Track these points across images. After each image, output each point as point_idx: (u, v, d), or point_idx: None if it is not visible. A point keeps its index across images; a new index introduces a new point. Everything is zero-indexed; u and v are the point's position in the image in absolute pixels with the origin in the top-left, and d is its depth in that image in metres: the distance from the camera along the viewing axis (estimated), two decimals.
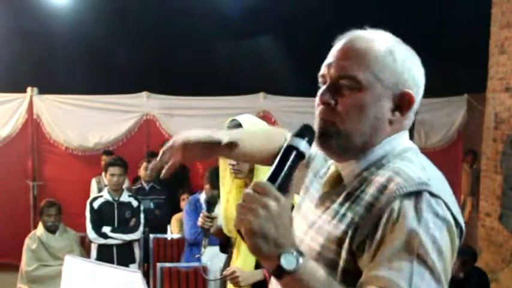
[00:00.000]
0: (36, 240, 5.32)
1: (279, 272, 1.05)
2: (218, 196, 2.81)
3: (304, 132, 1.17)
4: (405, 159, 1.21)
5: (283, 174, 1.10)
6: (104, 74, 8.02)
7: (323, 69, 1.29)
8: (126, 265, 4.82)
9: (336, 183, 1.33)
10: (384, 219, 1.11)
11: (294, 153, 1.13)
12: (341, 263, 1.18)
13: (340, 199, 1.26)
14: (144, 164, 6.06)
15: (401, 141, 1.28)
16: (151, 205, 5.97)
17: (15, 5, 7.92)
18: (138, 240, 5.31)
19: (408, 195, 1.10)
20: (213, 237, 3.00)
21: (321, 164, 1.49)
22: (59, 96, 7.28)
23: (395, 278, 1.04)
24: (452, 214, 1.12)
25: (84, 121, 7.20)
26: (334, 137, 1.24)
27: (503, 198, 6.56)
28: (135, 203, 5.28)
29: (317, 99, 1.28)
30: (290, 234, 1.07)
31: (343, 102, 1.22)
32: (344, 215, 1.20)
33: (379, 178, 1.18)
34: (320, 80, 1.30)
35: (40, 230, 5.36)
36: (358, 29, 1.31)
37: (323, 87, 1.27)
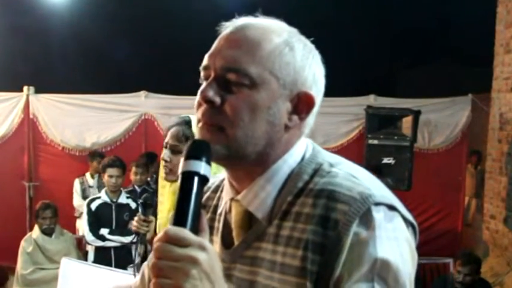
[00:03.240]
0: (32, 242, 5.30)
1: None
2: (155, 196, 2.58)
3: (199, 150, 0.96)
4: (326, 175, 1.03)
5: (191, 211, 0.90)
6: (101, 73, 7.97)
7: (206, 60, 1.06)
8: (124, 268, 4.74)
9: (247, 225, 1.09)
10: (341, 257, 0.94)
11: (195, 180, 0.92)
12: None
13: (269, 245, 1.03)
14: (134, 168, 5.96)
15: (301, 150, 1.09)
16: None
17: (12, 3, 7.85)
18: (136, 242, 5.22)
19: (357, 220, 0.95)
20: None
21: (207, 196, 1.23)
22: (56, 96, 7.22)
23: None
24: (401, 215, 1.01)
25: (81, 121, 7.14)
26: (223, 146, 1.01)
27: (508, 201, 6.50)
28: (133, 205, 5.21)
29: (198, 96, 1.05)
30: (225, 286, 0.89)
31: (231, 102, 1.00)
32: (287, 266, 0.99)
33: (312, 209, 0.99)
34: (202, 73, 1.07)
35: (36, 232, 5.34)
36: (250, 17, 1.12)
37: (206, 82, 1.04)
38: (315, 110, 1.09)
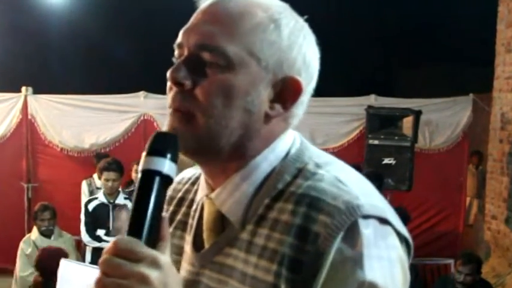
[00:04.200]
0: (31, 244, 5.28)
1: None
2: None
3: (163, 144, 0.82)
4: (311, 178, 0.89)
5: (148, 219, 0.77)
6: (100, 73, 7.94)
7: (180, 37, 0.93)
8: None
9: (218, 228, 0.95)
10: (321, 275, 0.81)
11: (156, 180, 0.79)
12: None
13: (241, 253, 0.90)
14: (135, 166, 5.95)
15: (285, 146, 0.94)
16: None
17: (10, 3, 7.82)
18: None
19: (341, 235, 0.81)
20: None
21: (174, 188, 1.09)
22: (54, 96, 7.18)
23: None
24: (394, 229, 0.87)
25: (80, 121, 7.10)
26: (192, 136, 0.89)
27: (510, 201, 6.49)
28: (130, 206, 5.18)
29: (168, 77, 0.92)
30: None
31: (204, 86, 0.87)
32: (259, 280, 0.86)
33: (291, 218, 0.85)
34: (176, 52, 0.94)
35: (35, 234, 5.34)
36: None
37: (177, 62, 0.91)
38: (304, 98, 0.94)
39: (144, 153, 0.83)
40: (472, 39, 8.47)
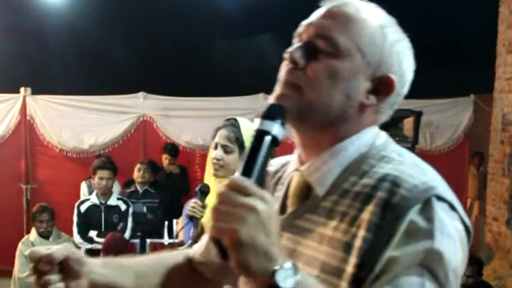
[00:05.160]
0: (30, 245, 5.26)
1: None
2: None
3: (274, 112, 0.99)
4: (392, 162, 1.05)
5: (258, 166, 0.93)
6: (100, 74, 7.92)
7: (301, 27, 1.11)
8: None
9: (303, 196, 1.12)
10: (395, 240, 0.94)
11: (267, 139, 0.95)
12: None
13: (321, 218, 1.05)
14: (138, 165, 5.95)
15: (372, 136, 1.10)
16: (144, 209, 5.89)
17: (9, 4, 7.80)
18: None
19: (417, 207, 0.95)
20: None
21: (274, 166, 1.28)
22: (53, 97, 7.16)
23: None
24: (459, 216, 1.01)
25: (79, 122, 7.08)
26: (297, 103, 1.04)
27: (511, 203, 6.45)
28: (123, 207, 5.22)
29: (285, 56, 1.08)
30: (280, 243, 0.90)
31: (315, 67, 1.04)
32: (337, 240, 1.00)
33: (373, 191, 1.00)
34: (295, 40, 1.11)
35: (33, 235, 5.37)
36: None
37: (295, 45, 1.08)
38: (395, 100, 1.11)
39: (259, 118, 0.99)
40: (473, 40, 8.46)
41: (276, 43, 9.30)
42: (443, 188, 1.01)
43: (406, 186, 0.97)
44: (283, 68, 1.09)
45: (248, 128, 2.52)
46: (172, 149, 6.80)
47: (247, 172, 0.92)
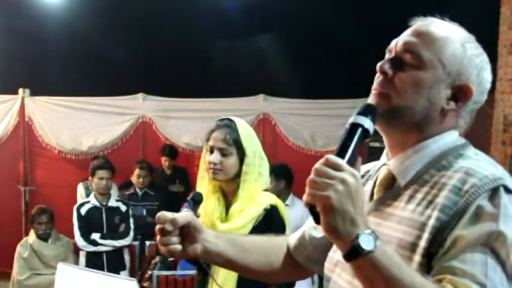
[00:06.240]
0: (28, 248, 5.34)
1: (355, 253, 1.02)
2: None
3: (367, 110, 1.17)
4: (468, 159, 1.20)
5: (350, 150, 1.10)
6: (98, 75, 7.88)
7: (392, 44, 1.31)
8: (117, 272, 4.77)
9: (388, 186, 1.30)
10: (463, 220, 1.09)
11: (359, 130, 1.14)
12: (414, 266, 1.11)
13: (401, 203, 1.22)
14: (137, 170, 5.93)
15: (454, 138, 1.26)
16: (144, 212, 5.88)
17: (7, 4, 7.77)
18: (128, 246, 5.22)
19: (486, 194, 1.09)
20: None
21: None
22: (52, 98, 7.15)
23: (470, 269, 1.03)
24: None
25: (78, 124, 7.09)
26: (386, 109, 1.22)
27: None
28: (123, 208, 5.21)
29: (377, 68, 1.27)
30: (365, 213, 1.06)
31: (401, 77, 1.23)
32: (413, 220, 1.16)
33: (449, 180, 1.15)
34: (387, 55, 1.30)
35: (32, 237, 5.42)
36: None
37: (385, 58, 1.28)
38: (473, 106, 1.26)
39: (353, 115, 1.17)
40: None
41: (276, 44, 9.28)
42: (511, 181, 1.12)
43: (477, 176, 1.12)
44: (376, 79, 1.27)
45: (246, 129, 2.41)
46: (171, 151, 6.78)
47: (340, 154, 1.09)
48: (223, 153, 2.37)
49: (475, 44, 1.28)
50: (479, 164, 1.16)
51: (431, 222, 1.12)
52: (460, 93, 1.23)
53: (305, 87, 7.99)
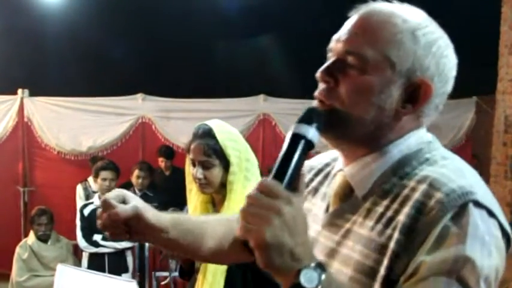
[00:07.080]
0: (28, 249, 5.32)
1: None
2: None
3: (311, 116, 1.00)
4: (434, 164, 1.05)
5: (290, 170, 0.95)
6: (98, 75, 7.88)
7: (331, 43, 1.12)
8: (119, 274, 4.73)
9: (345, 196, 1.15)
10: (427, 244, 0.95)
11: (301, 142, 0.97)
12: None
13: (359, 218, 1.08)
14: (136, 171, 5.91)
15: (417, 139, 1.10)
16: None
17: (6, 4, 7.76)
18: (130, 248, 5.20)
19: (452, 212, 0.95)
20: None
21: (316, 169, 1.31)
22: (51, 99, 7.12)
23: None
24: (498, 222, 0.99)
25: (77, 124, 7.04)
26: (332, 124, 1.06)
27: None
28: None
29: (317, 76, 1.10)
30: (307, 242, 0.93)
31: (346, 84, 1.06)
32: (372, 240, 1.03)
33: (411, 193, 1.01)
34: (328, 55, 1.12)
35: (31, 238, 5.41)
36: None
37: (326, 63, 1.10)
38: (437, 100, 1.09)
39: (296, 121, 1.01)
40: (474, 40, 8.42)
41: (277, 44, 9.28)
42: (482, 193, 0.99)
43: (443, 189, 0.97)
44: (319, 87, 1.10)
45: (225, 133, 2.25)
46: (167, 151, 6.75)
47: (279, 175, 0.94)
48: (205, 166, 2.22)
49: (430, 27, 1.09)
50: (446, 173, 1.01)
51: (392, 245, 0.99)
52: (418, 92, 1.06)
53: (305, 87, 7.97)
